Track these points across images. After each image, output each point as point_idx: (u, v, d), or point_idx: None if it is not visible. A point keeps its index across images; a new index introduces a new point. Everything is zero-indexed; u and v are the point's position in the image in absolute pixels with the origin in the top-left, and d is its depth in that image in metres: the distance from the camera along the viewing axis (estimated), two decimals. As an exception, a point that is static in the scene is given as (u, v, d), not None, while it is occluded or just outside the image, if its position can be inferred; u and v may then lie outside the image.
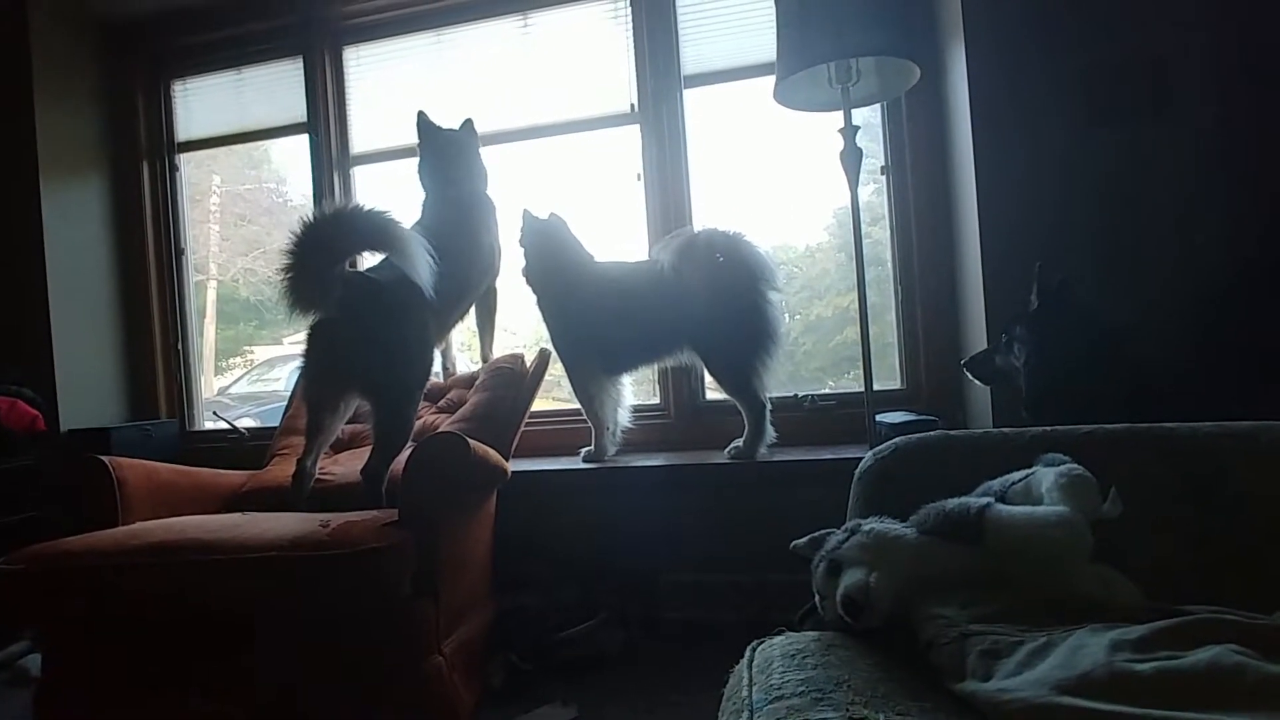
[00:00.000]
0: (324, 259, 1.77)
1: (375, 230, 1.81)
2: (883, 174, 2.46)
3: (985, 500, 0.96)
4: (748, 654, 0.93)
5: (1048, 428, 1.21)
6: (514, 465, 2.10)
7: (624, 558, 2.25)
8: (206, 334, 3.41)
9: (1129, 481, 1.02)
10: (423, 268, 1.82)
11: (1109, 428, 1.18)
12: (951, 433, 1.27)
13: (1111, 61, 1.97)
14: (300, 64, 2.89)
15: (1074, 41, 1.99)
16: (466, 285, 2.25)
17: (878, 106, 2.40)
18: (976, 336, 2.10)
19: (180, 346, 3.05)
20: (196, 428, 3.06)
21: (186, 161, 3.12)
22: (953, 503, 0.98)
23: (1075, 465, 1.00)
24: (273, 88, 2.97)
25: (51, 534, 1.65)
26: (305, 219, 1.79)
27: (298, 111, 2.90)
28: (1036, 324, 1.69)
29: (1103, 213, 1.97)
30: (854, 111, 1.95)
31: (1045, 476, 0.98)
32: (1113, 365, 1.60)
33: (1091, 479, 0.97)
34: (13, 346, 2.70)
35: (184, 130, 3.07)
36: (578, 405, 2.34)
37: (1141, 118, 1.95)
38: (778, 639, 0.94)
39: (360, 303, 1.86)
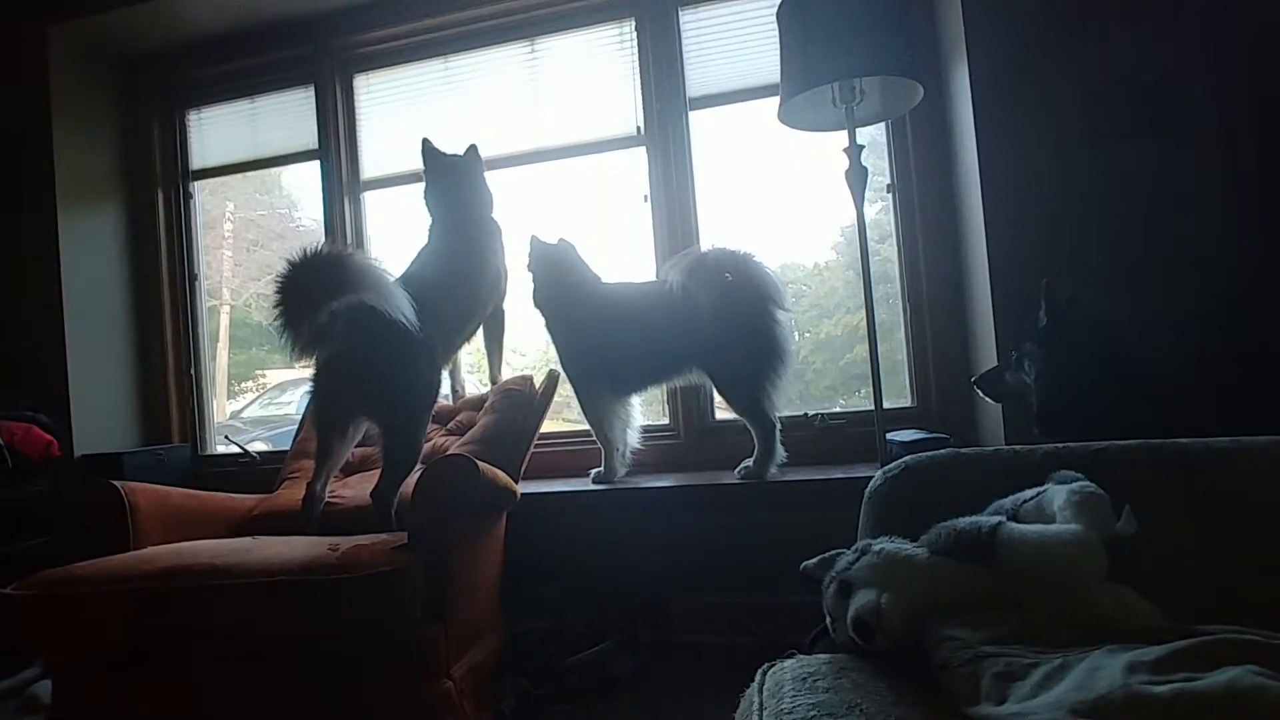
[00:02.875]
0: (307, 307, 1.77)
1: (348, 274, 1.79)
2: (889, 192, 2.47)
3: (997, 519, 0.95)
4: (758, 678, 0.92)
5: (1059, 445, 1.20)
6: (524, 487, 2.10)
7: (634, 580, 2.23)
8: (219, 358, 3.44)
9: (1143, 498, 1.01)
10: (401, 305, 1.82)
11: (1122, 444, 1.17)
12: (962, 451, 1.26)
13: (1114, 78, 1.98)
14: (312, 92, 2.93)
15: (1077, 59, 2.00)
16: (473, 308, 2.26)
17: (883, 124, 2.41)
18: (986, 353, 2.09)
19: (193, 371, 3.07)
20: (208, 452, 3.08)
21: (201, 189, 3.16)
22: (964, 522, 0.97)
23: (1088, 483, 0.99)
24: (285, 116, 3.01)
25: (65, 559, 1.65)
26: (282, 268, 1.79)
27: (309, 138, 2.94)
28: (1046, 340, 1.69)
29: (1109, 227, 1.97)
30: (859, 130, 1.96)
31: (1057, 494, 0.97)
32: (1124, 380, 1.59)
33: (1104, 496, 0.96)
34: (28, 372, 2.73)
35: (198, 158, 3.12)
36: (587, 426, 2.34)
37: (1145, 134, 1.96)
38: (788, 662, 0.93)
39: (366, 327, 1.87)
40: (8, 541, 2.24)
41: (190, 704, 1.58)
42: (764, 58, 2.50)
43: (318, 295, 1.77)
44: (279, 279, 1.78)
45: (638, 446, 2.37)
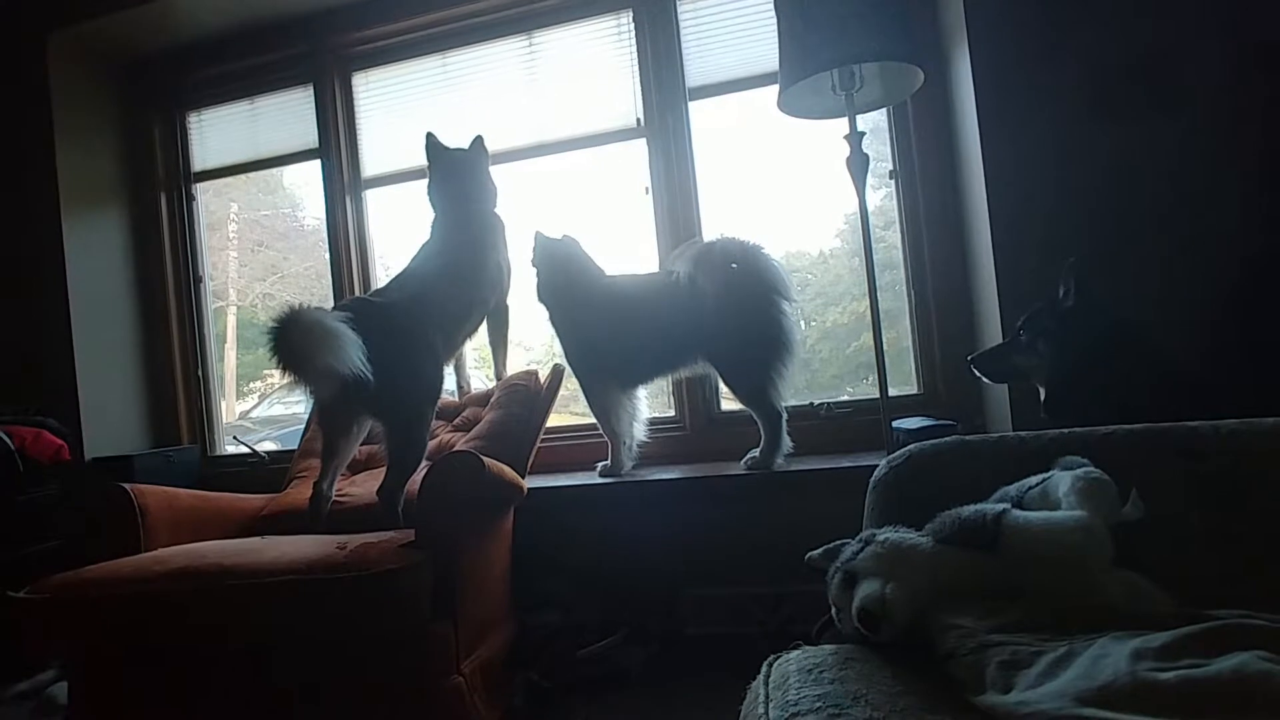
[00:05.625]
0: (304, 364, 1.77)
1: (294, 349, 1.76)
2: (892, 178, 2.45)
3: (1001, 506, 0.95)
4: (764, 669, 0.92)
5: (1065, 430, 1.19)
6: (531, 482, 2.10)
7: (643, 572, 2.24)
8: (227, 359, 3.46)
9: (1150, 483, 0.99)
10: (350, 358, 1.78)
11: (1129, 428, 1.15)
12: (967, 438, 1.25)
13: (1118, 59, 1.95)
14: (311, 91, 2.93)
15: (1080, 39, 1.98)
16: (474, 303, 2.25)
17: (885, 110, 2.39)
18: (992, 337, 2.08)
19: (200, 373, 3.09)
20: (217, 452, 3.09)
21: (204, 190, 3.17)
22: (968, 510, 0.96)
23: (1093, 468, 0.98)
24: (285, 115, 3.01)
25: (77, 562, 1.67)
26: (268, 338, 1.77)
27: (310, 138, 2.94)
28: (1071, 321, 1.63)
29: (1113, 209, 1.95)
30: (861, 116, 1.94)
31: (1062, 481, 0.96)
32: (1135, 364, 1.57)
33: (1109, 482, 0.95)
34: (37, 377, 2.75)
35: (200, 160, 3.13)
36: (593, 420, 2.34)
37: (1149, 114, 1.93)
38: (794, 654, 0.93)
39: (367, 326, 1.87)
40: (21, 545, 2.27)
41: (203, 702, 1.60)
42: (763, 46, 2.48)
43: (307, 353, 1.75)
44: (272, 344, 1.77)
45: (644, 439, 2.37)
